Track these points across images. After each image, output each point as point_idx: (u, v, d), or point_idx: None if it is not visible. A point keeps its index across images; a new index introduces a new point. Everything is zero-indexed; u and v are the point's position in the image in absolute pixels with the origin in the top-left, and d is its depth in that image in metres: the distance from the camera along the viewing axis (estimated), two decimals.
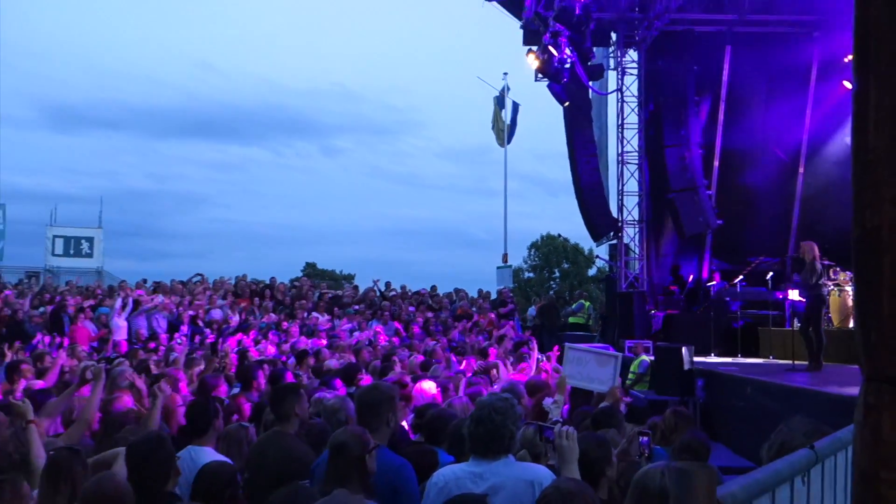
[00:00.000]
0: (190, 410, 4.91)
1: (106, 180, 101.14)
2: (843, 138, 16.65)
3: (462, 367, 10.36)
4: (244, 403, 6.71)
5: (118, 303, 15.18)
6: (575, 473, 3.50)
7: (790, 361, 11.31)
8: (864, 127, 1.13)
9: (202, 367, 9.14)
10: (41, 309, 15.83)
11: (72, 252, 24.75)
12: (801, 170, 17.24)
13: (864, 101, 1.14)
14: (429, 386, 6.93)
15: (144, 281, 17.98)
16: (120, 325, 14.81)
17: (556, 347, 10.69)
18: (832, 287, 12.26)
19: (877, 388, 1.10)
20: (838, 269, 12.66)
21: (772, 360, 13.12)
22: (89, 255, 24.78)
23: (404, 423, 5.79)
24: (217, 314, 16.51)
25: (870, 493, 1.10)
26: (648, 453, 4.28)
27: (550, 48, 16.83)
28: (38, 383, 7.27)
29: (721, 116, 17.32)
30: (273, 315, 17.03)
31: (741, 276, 15.37)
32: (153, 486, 3.51)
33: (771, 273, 14.97)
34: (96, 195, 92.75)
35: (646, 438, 4.36)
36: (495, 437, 3.41)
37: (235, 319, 16.16)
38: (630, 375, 12.64)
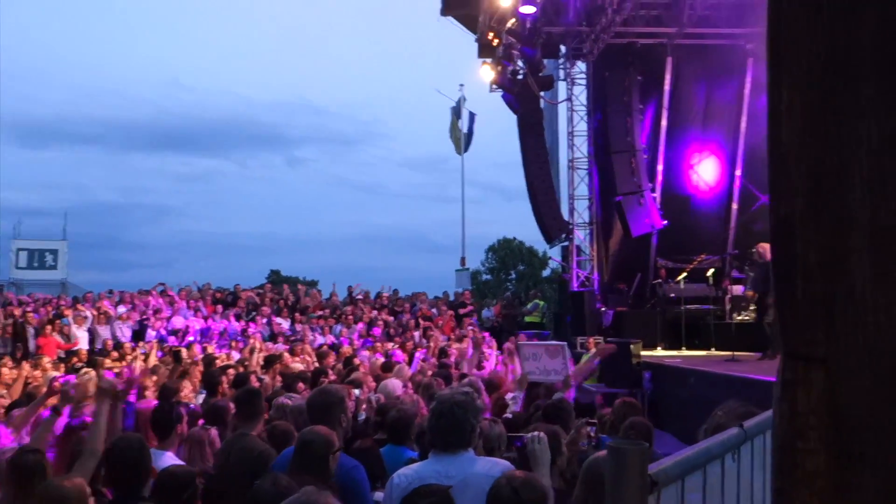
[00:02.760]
0: (153, 416, 4.94)
1: (74, 193, 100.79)
2: None
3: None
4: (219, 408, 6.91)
5: (83, 313, 15.32)
6: (547, 476, 3.52)
7: (730, 353, 11.86)
8: (778, 123, 1.17)
9: (166, 374, 9.41)
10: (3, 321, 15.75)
11: (35, 265, 24.81)
12: (738, 172, 18.06)
13: (777, 99, 1.17)
14: (394, 385, 7.11)
15: (109, 291, 18.08)
16: (84, 335, 14.97)
17: (510, 339, 11.10)
18: None
19: (793, 366, 1.14)
20: None
21: (713, 352, 13.65)
22: (53, 268, 24.83)
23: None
24: (180, 322, 16.75)
25: (787, 461, 1.14)
26: (596, 442, 4.54)
27: (503, 60, 17.51)
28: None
29: (664, 123, 18.04)
30: (236, 322, 17.35)
31: (685, 274, 16.18)
32: (131, 488, 3.48)
33: (712, 270, 15.82)
34: (62, 208, 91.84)
35: (592, 428, 4.62)
36: (456, 431, 3.33)
37: (199, 327, 16.41)
38: None
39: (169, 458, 4.46)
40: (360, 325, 17.20)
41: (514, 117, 19.37)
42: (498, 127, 27.77)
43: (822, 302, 1.12)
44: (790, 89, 1.16)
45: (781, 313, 1.16)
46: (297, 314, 18.23)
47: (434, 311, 18.65)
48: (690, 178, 18.31)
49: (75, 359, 12.73)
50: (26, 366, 9.89)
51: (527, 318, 18.66)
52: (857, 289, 1.09)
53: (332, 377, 8.58)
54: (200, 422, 5.83)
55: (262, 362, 10.85)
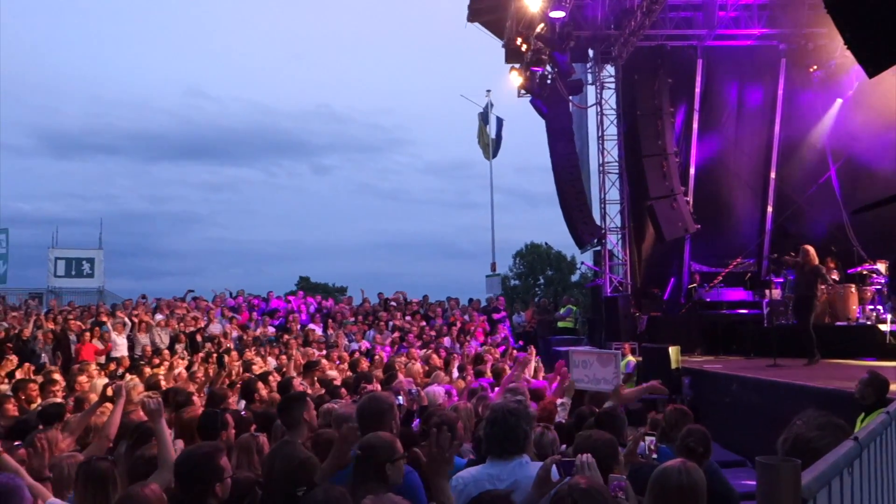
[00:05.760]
0: (199, 421, 4.97)
1: (104, 203, 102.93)
2: (812, 142, 17.42)
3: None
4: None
5: (123, 321, 15.50)
6: None
7: (771, 359, 11.64)
8: None
9: (210, 380, 9.44)
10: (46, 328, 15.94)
11: (73, 273, 24.96)
12: (772, 174, 17.87)
13: None
14: (436, 392, 7.18)
15: (144, 297, 18.25)
16: (123, 342, 15.15)
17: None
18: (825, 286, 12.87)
19: None
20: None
21: (753, 358, 13.41)
22: (90, 276, 25.00)
23: None
24: (216, 329, 16.89)
25: None
26: (656, 454, 4.41)
27: (532, 65, 17.49)
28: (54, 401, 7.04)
29: (695, 126, 17.94)
30: (272, 328, 17.46)
31: (720, 278, 16.03)
32: (195, 498, 3.44)
33: (749, 274, 15.65)
34: (96, 217, 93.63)
35: (651, 438, 4.48)
36: (510, 438, 3.48)
37: (235, 333, 16.52)
38: None
39: None
40: (396, 333, 17.19)
41: (537, 122, 19.31)
42: (520, 132, 27.81)
43: None
44: None
45: None
46: (329, 320, 18.31)
47: (466, 317, 18.62)
48: (724, 181, 18.11)
49: (113, 365, 12.89)
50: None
51: (560, 324, 18.57)
52: None
53: (376, 385, 8.62)
54: (253, 427, 5.87)
55: (300, 369, 10.96)
